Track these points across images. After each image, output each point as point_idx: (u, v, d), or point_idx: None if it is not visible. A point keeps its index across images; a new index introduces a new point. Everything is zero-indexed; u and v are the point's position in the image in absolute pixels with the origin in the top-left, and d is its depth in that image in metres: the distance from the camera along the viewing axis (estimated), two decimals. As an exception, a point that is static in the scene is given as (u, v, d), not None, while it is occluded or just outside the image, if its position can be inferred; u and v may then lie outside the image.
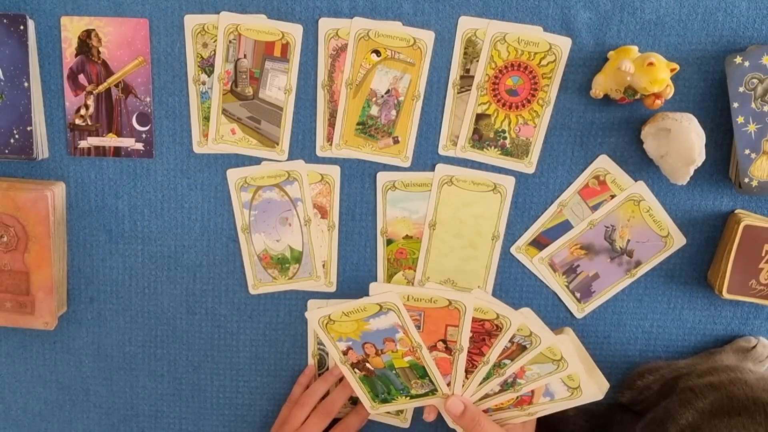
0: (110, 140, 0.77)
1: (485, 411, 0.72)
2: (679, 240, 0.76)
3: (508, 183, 0.76)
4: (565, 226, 0.77)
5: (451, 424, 0.72)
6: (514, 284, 0.79)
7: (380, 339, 0.70)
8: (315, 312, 0.69)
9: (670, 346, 0.79)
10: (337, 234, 0.78)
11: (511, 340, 0.69)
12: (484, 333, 0.69)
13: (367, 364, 0.72)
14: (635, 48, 0.70)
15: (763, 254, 0.72)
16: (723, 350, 0.76)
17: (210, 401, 0.83)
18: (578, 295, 0.78)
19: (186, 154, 0.77)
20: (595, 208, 0.76)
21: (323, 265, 0.79)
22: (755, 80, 0.69)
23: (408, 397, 0.73)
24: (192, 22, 0.74)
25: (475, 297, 0.68)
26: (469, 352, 0.70)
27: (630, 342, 0.79)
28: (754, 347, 0.75)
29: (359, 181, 0.77)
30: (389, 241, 0.78)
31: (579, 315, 0.79)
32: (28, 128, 0.74)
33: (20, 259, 0.76)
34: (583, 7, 0.72)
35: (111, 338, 0.82)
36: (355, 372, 0.72)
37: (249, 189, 0.77)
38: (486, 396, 0.71)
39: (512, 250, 0.78)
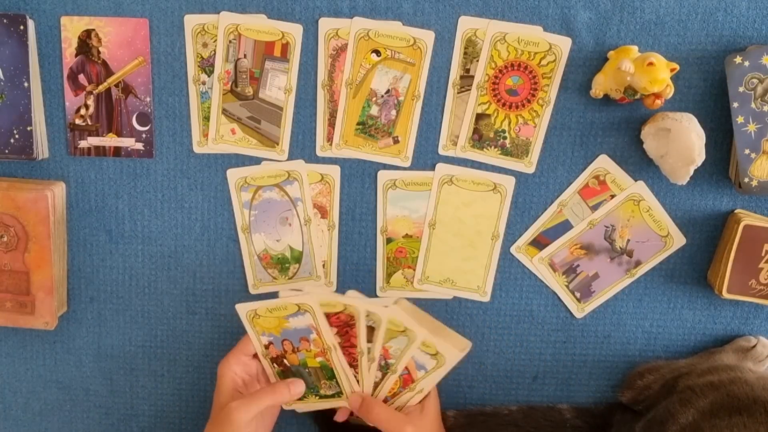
0: (110, 140, 0.77)
1: (384, 401, 0.74)
2: (679, 240, 0.76)
3: (508, 183, 0.76)
4: (565, 226, 0.77)
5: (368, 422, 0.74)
6: (514, 284, 0.79)
7: (297, 337, 0.73)
8: (245, 305, 0.72)
9: (670, 345, 0.79)
10: (337, 234, 0.78)
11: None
12: (345, 325, 0.71)
13: (285, 360, 0.74)
14: (635, 48, 0.70)
15: (762, 254, 0.72)
16: (723, 350, 0.76)
17: (210, 401, 0.82)
18: (578, 294, 0.78)
19: (186, 154, 0.77)
20: (595, 207, 0.76)
21: (323, 265, 0.79)
22: (755, 80, 0.69)
23: (317, 397, 0.75)
24: (192, 22, 0.74)
25: (317, 294, 0.70)
26: (344, 346, 0.72)
27: (630, 342, 0.79)
28: (754, 347, 0.75)
29: (359, 180, 0.77)
30: (389, 240, 0.78)
31: (579, 315, 0.79)
32: (28, 128, 0.74)
33: (20, 259, 0.76)
34: (583, 7, 0.72)
35: (111, 338, 0.82)
36: (274, 366, 0.75)
37: (249, 189, 0.77)
38: (376, 386, 0.74)
39: (512, 249, 0.78)
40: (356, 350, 0.72)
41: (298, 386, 0.73)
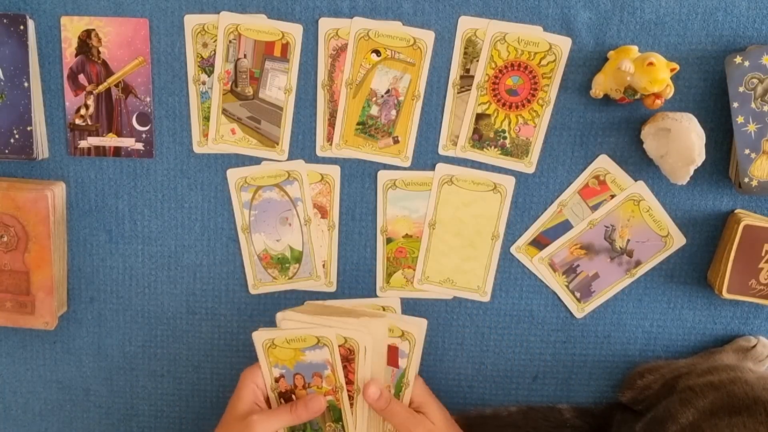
0: (110, 140, 0.77)
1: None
2: (679, 240, 0.76)
3: (508, 183, 0.76)
4: (565, 226, 0.77)
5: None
6: (513, 284, 0.79)
7: (310, 372, 0.70)
8: (262, 333, 0.70)
9: (670, 345, 0.79)
10: (337, 234, 0.78)
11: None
12: (344, 360, 0.69)
13: (293, 397, 0.72)
14: (635, 48, 0.70)
15: (763, 254, 0.72)
16: (723, 350, 0.76)
17: (210, 401, 0.83)
18: (578, 294, 0.78)
19: (186, 154, 0.77)
20: (595, 207, 0.77)
21: (323, 265, 0.79)
22: (755, 80, 0.69)
23: None
24: (192, 22, 0.74)
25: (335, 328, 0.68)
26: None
27: (630, 342, 0.79)
28: (754, 347, 0.75)
29: (359, 180, 0.77)
30: (389, 240, 0.78)
31: (579, 315, 0.79)
32: (28, 128, 0.74)
33: (20, 259, 0.76)
34: (583, 7, 0.72)
35: (111, 338, 0.82)
36: (281, 402, 0.72)
37: (249, 189, 0.77)
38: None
39: (512, 249, 0.78)
40: (353, 387, 0.70)
41: (316, 403, 0.69)
